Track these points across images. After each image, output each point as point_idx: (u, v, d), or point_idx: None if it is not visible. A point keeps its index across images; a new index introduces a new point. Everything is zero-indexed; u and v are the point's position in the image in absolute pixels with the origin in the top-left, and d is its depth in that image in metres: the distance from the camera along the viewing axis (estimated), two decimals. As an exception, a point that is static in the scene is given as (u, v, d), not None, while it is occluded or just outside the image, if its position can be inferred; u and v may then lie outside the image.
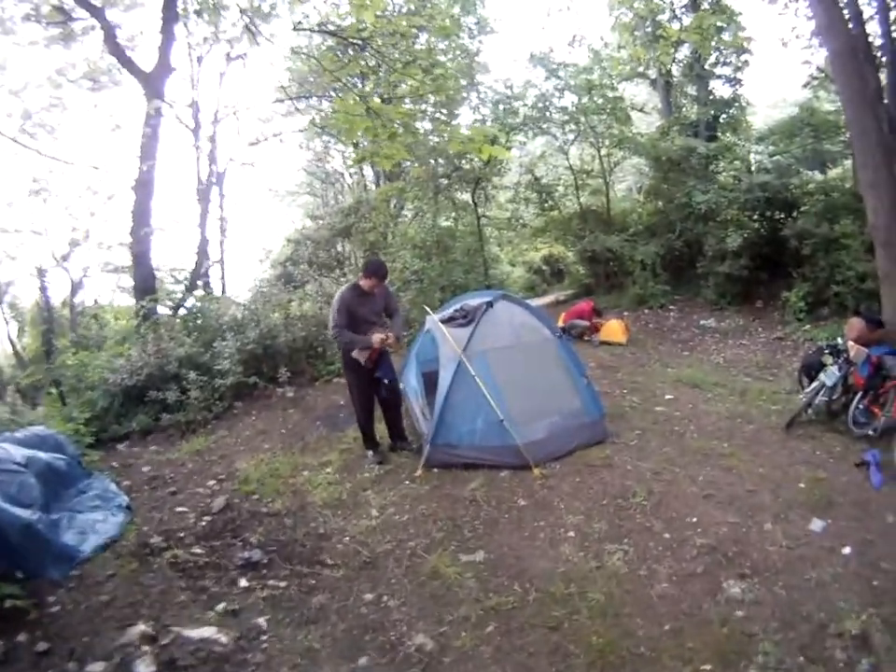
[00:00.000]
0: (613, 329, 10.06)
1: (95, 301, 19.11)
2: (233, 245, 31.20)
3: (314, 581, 3.56)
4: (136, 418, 6.78)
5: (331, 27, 7.40)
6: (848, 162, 11.80)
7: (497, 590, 3.43)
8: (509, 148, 13.16)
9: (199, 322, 8.41)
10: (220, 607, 3.28)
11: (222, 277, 15.67)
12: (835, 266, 9.16)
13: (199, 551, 3.89)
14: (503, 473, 4.83)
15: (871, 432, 5.23)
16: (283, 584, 3.52)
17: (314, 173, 21.80)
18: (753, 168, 13.26)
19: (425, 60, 10.94)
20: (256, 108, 19.88)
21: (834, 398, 5.69)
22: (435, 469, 4.95)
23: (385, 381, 5.19)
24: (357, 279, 5.33)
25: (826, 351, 5.84)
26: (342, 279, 10.29)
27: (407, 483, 4.84)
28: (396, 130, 5.24)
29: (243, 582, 3.54)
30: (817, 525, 4.08)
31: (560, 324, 10.39)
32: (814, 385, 5.73)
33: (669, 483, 4.62)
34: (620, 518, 4.16)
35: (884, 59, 9.00)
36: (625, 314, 11.94)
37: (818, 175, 11.76)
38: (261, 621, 3.18)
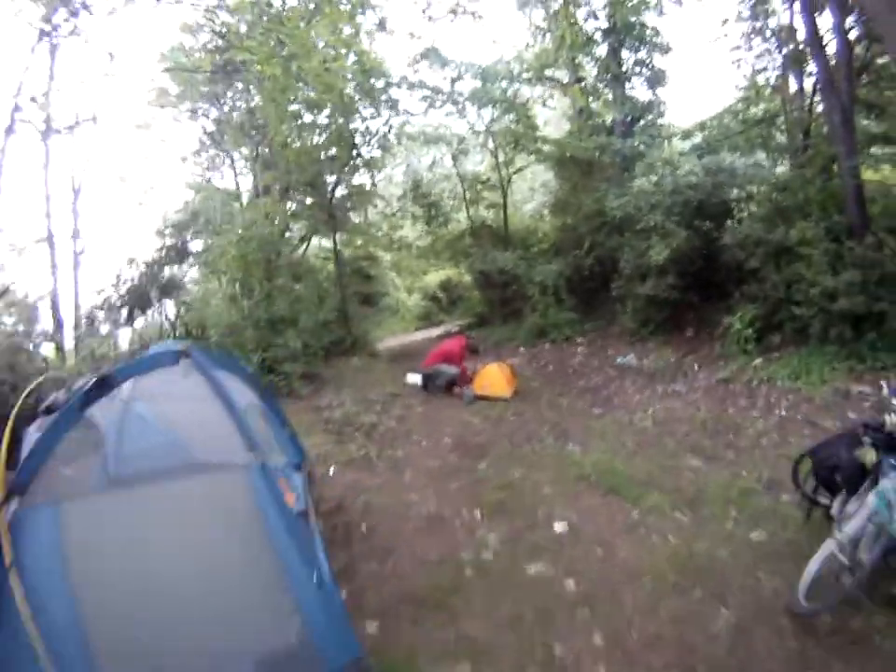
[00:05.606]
0: (493, 377, 6.94)
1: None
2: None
3: None
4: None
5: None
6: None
7: None
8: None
9: None
10: None
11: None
12: (793, 282, 6.60)
13: None
14: None
15: None
16: None
17: (194, 187, 18.23)
18: (680, 171, 10.89)
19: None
20: (129, 112, 15.99)
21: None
22: None
23: None
24: None
25: (867, 439, 2.73)
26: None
27: None
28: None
29: None
30: None
31: (423, 370, 7.16)
32: (860, 517, 2.55)
33: None
34: None
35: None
36: (520, 350, 8.94)
37: (762, 172, 9.31)
38: None
